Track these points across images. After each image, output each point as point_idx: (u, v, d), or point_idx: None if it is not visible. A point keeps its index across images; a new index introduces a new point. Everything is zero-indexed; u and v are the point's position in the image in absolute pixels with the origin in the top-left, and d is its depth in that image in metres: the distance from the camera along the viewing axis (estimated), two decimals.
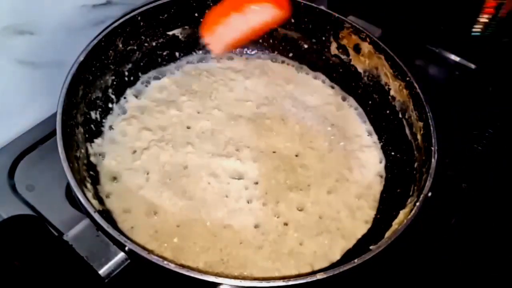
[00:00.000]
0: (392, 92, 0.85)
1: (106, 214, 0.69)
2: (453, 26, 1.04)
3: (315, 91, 0.92)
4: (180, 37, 0.90)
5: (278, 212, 0.75)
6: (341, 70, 0.93)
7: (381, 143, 0.86)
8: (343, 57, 0.92)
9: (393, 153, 0.83)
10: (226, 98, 0.88)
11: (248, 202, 0.75)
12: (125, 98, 0.84)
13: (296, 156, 0.82)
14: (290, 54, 0.96)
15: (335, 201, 0.78)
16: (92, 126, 0.77)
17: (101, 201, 0.71)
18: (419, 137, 0.77)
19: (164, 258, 0.56)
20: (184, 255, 0.69)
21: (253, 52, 0.96)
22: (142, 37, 0.84)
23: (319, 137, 0.85)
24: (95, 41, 0.74)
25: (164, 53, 0.90)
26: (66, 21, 0.78)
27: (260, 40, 0.95)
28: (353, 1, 0.99)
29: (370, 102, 0.89)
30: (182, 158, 0.79)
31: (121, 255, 0.59)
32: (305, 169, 0.81)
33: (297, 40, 0.94)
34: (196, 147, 0.80)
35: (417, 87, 0.78)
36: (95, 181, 0.73)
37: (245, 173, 0.79)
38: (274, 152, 0.82)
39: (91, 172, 0.73)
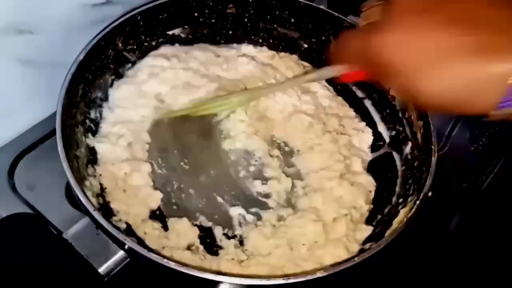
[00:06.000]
0: (392, 92, 0.85)
1: (106, 213, 0.69)
2: None
3: (314, 91, 0.92)
4: (180, 36, 0.90)
5: None
6: None
7: (381, 143, 0.86)
8: None
9: (393, 152, 0.83)
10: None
11: None
12: None
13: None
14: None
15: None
16: (92, 125, 0.77)
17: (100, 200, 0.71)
18: (419, 136, 0.77)
19: (164, 257, 0.56)
20: None
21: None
22: (142, 36, 0.84)
23: (319, 137, 0.85)
24: (95, 41, 0.74)
25: None
26: (66, 20, 0.78)
27: (260, 40, 0.95)
28: (353, 1, 0.99)
29: (370, 101, 0.90)
30: (183, 159, 0.79)
31: (120, 253, 0.59)
32: None
33: (296, 39, 0.93)
34: None
35: None
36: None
37: None
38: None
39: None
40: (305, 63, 0.93)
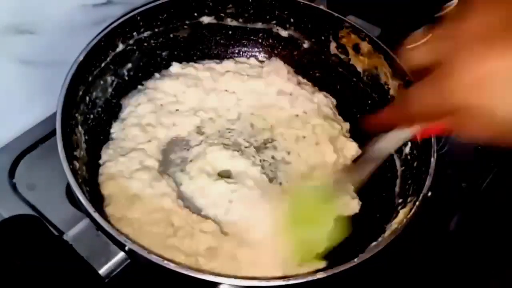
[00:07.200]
0: (391, 92, 0.85)
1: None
2: None
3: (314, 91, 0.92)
4: (180, 37, 0.90)
5: None
6: (340, 69, 0.93)
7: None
8: (342, 56, 0.92)
9: (392, 153, 0.83)
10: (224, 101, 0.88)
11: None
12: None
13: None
14: None
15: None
16: (92, 125, 0.77)
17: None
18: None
19: (164, 258, 0.56)
20: None
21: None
22: (142, 36, 0.85)
23: (318, 138, 0.85)
24: (95, 41, 0.74)
25: (164, 53, 0.90)
26: (66, 21, 0.79)
27: (260, 40, 0.95)
28: (353, 1, 0.99)
29: (369, 101, 0.90)
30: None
31: (121, 254, 0.59)
32: None
33: (296, 39, 0.94)
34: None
35: None
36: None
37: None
38: None
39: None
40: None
